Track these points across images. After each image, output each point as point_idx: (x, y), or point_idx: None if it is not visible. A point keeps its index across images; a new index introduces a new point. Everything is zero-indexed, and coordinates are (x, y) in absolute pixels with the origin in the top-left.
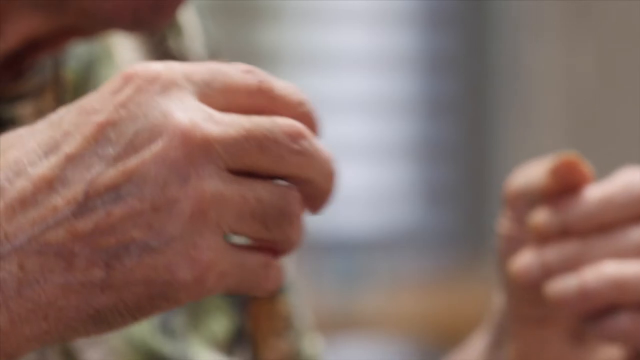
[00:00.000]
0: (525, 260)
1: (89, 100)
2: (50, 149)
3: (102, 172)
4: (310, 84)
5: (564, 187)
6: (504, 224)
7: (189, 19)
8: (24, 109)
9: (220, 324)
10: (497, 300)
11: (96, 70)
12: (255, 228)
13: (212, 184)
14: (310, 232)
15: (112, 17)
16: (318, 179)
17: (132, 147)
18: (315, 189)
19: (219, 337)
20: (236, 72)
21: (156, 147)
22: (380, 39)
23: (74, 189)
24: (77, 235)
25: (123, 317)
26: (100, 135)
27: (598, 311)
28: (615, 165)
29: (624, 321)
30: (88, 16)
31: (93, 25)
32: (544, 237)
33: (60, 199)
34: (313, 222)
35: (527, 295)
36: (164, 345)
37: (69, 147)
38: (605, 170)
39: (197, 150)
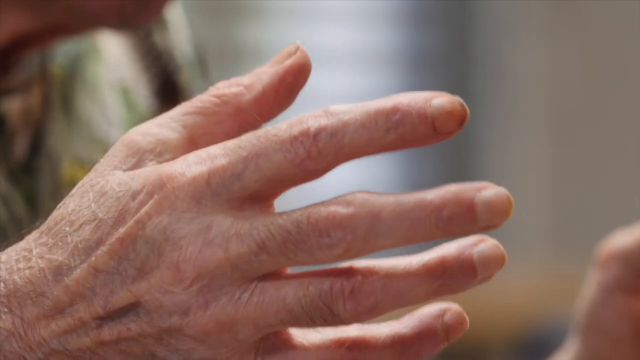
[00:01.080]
0: None
1: (126, 195)
2: (85, 256)
3: (118, 292)
4: None
5: None
6: (591, 288)
7: (174, 13)
8: (11, 103)
9: None
10: (572, 349)
11: (83, 64)
12: (288, 326)
13: (218, 309)
14: None
15: (98, 15)
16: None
17: (143, 270)
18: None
19: None
20: (279, 146)
21: (157, 277)
22: (364, 36)
23: (97, 304)
24: (104, 343)
25: None
26: (122, 251)
27: None
28: (598, 164)
29: None
30: (75, 15)
31: (80, 23)
32: None
33: (86, 312)
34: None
35: (617, 337)
36: None
37: (96, 260)
38: (588, 168)
39: (194, 282)
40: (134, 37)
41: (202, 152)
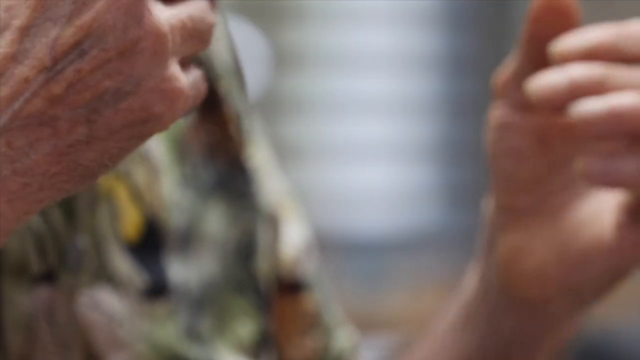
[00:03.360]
0: (550, 78)
1: None
2: (4, 26)
3: (60, 34)
4: (333, 84)
5: (550, 27)
6: (495, 114)
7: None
8: None
9: (246, 327)
10: (487, 208)
11: None
12: (193, 45)
13: (160, 17)
14: (332, 234)
15: None
16: None
17: (82, 2)
18: None
19: (245, 341)
20: None
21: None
22: (403, 39)
23: (39, 57)
24: (54, 99)
25: (107, 166)
26: (44, 0)
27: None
28: None
29: (630, 164)
30: None
31: None
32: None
33: (29, 70)
34: (335, 224)
35: (513, 180)
36: (190, 350)
37: (19, 21)
38: None
39: None
40: None
41: None
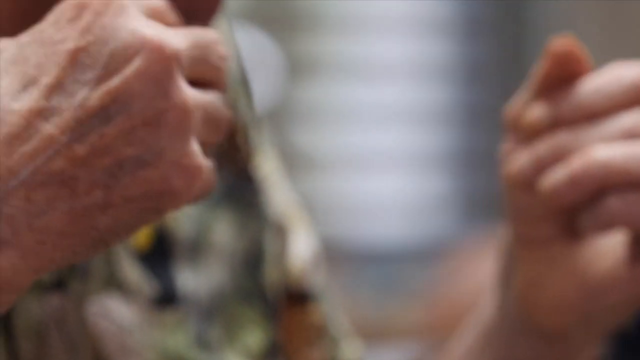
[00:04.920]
0: (518, 159)
1: (46, 31)
2: (28, 83)
3: (87, 97)
4: (347, 93)
5: (558, 78)
6: (506, 147)
7: (221, 30)
8: None
9: (254, 337)
10: (504, 238)
11: None
12: (210, 131)
13: (187, 93)
14: (345, 243)
15: None
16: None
17: (111, 68)
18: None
19: (254, 350)
20: None
21: (136, 64)
22: (417, 48)
23: (65, 117)
24: (76, 160)
25: (119, 236)
26: (75, 62)
27: (590, 202)
28: None
29: (613, 203)
30: None
31: None
32: (537, 133)
33: (54, 128)
34: (348, 233)
35: (530, 214)
36: (199, 358)
37: (47, 78)
38: None
39: (171, 62)
40: None
41: None
